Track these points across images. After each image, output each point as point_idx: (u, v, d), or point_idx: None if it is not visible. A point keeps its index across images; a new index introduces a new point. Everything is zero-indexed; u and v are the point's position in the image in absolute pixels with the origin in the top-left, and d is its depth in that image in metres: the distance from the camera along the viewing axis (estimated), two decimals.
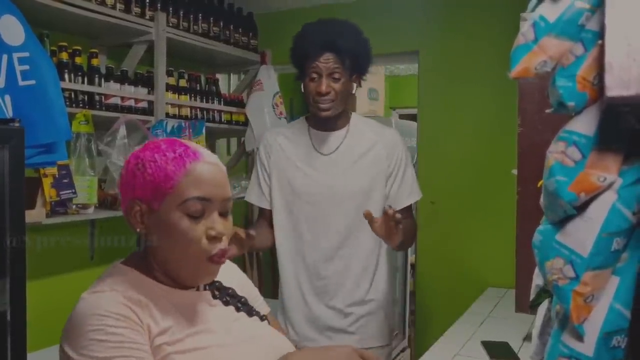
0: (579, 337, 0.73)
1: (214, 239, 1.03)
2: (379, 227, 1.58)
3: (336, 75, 1.77)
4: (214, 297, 1.14)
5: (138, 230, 1.05)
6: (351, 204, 1.83)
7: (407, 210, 1.92)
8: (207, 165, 1.05)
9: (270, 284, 3.75)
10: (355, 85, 1.86)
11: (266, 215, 1.95)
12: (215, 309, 1.12)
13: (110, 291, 1.00)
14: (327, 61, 1.76)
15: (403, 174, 1.89)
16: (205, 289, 1.13)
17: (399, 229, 1.58)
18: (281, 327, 1.42)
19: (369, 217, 1.56)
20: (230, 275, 1.22)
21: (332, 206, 1.83)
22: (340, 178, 1.84)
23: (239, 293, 1.21)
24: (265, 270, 3.56)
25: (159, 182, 1.01)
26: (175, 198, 1.01)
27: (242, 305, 1.18)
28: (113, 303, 0.97)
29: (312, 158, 1.88)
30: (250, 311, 1.18)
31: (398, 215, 1.53)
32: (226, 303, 1.15)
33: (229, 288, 1.19)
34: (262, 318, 1.21)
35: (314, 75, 1.78)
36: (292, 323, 1.90)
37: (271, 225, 1.93)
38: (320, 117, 1.82)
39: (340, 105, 1.81)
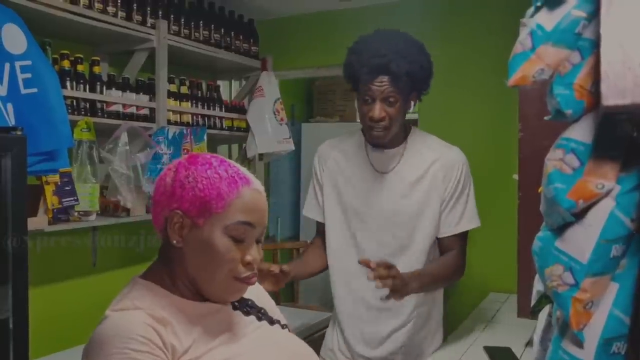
0: (579, 344, 0.73)
1: (248, 264, 1.04)
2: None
3: (391, 99, 1.64)
4: (234, 308, 1.14)
5: (175, 242, 1.04)
6: (403, 227, 1.74)
7: (454, 240, 1.77)
8: (256, 192, 1.06)
9: (286, 288, 3.77)
10: (412, 103, 1.74)
11: (322, 232, 1.88)
12: (237, 320, 1.12)
13: (133, 309, 1.00)
14: (381, 84, 1.62)
15: (457, 198, 1.74)
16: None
17: (404, 283, 1.51)
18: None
19: (364, 263, 1.50)
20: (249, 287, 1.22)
21: (384, 227, 1.74)
22: (395, 200, 1.74)
23: (258, 305, 1.21)
24: None
25: (209, 199, 1.01)
26: (223, 218, 1.02)
27: (263, 315, 1.18)
28: (137, 324, 0.96)
29: (368, 176, 1.78)
30: (271, 320, 1.19)
31: (388, 270, 1.48)
32: (247, 313, 1.15)
33: (249, 299, 1.19)
34: (283, 326, 1.21)
35: (367, 98, 1.65)
36: (348, 342, 1.82)
37: (322, 245, 1.86)
38: (373, 142, 1.75)
39: (394, 129, 1.70)
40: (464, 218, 1.76)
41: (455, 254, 1.77)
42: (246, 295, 1.18)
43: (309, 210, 1.93)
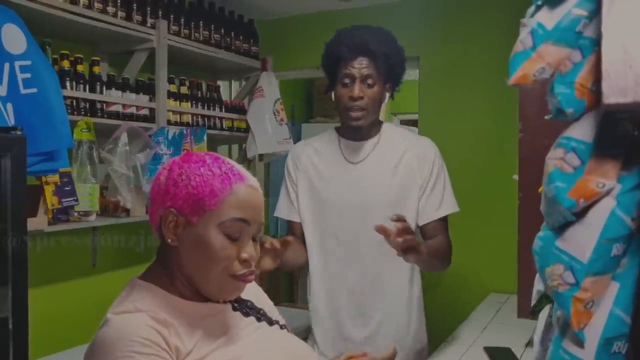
0: (580, 343, 0.72)
1: (245, 262, 1.03)
2: (395, 240, 1.44)
3: (370, 81, 1.67)
4: (234, 309, 1.13)
5: (169, 241, 1.03)
6: (382, 216, 1.68)
7: (437, 226, 1.77)
8: (250, 188, 1.05)
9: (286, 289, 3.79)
10: (387, 95, 1.76)
11: (295, 231, 1.85)
12: (237, 321, 1.11)
13: (135, 312, 0.99)
14: (360, 65, 1.66)
15: (434, 184, 1.76)
16: (225, 302, 1.13)
17: (416, 243, 1.47)
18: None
19: (380, 230, 1.43)
20: (248, 288, 1.22)
21: (363, 217, 1.73)
22: (370, 188, 1.74)
23: (257, 306, 1.21)
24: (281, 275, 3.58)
25: (202, 196, 1.01)
26: (216, 215, 1.01)
27: (262, 316, 1.18)
28: (140, 326, 0.96)
29: (342, 167, 1.78)
30: (270, 321, 1.18)
31: (404, 223, 1.43)
32: (246, 314, 1.14)
33: (248, 300, 1.18)
34: (282, 327, 1.21)
35: (347, 81, 1.68)
36: (317, 341, 1.81)
37: (301, 242, 1.83)
38: (351, 126, 1.73)
39: (371, 115, 1.71)
40: (444, 203, 1.77)
41: (443, 238, 1.77)
42: (245, 296, 1.17)
43: (281, 211, 1.89)
